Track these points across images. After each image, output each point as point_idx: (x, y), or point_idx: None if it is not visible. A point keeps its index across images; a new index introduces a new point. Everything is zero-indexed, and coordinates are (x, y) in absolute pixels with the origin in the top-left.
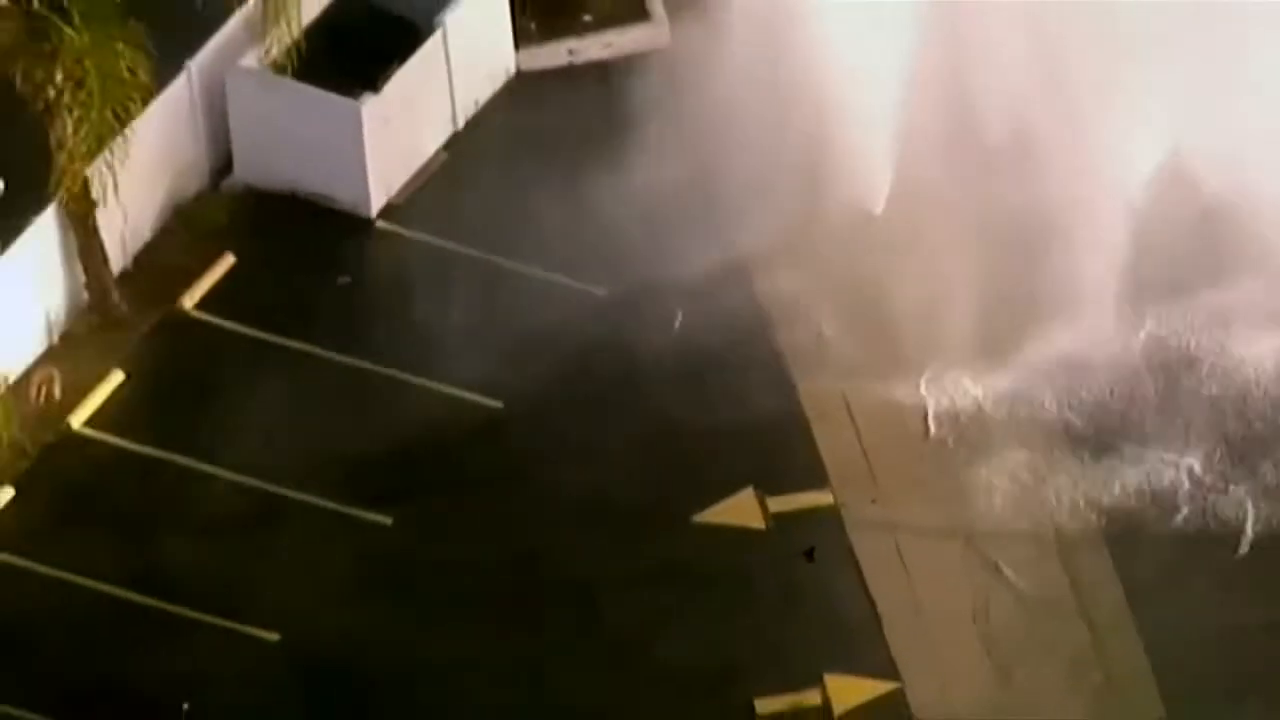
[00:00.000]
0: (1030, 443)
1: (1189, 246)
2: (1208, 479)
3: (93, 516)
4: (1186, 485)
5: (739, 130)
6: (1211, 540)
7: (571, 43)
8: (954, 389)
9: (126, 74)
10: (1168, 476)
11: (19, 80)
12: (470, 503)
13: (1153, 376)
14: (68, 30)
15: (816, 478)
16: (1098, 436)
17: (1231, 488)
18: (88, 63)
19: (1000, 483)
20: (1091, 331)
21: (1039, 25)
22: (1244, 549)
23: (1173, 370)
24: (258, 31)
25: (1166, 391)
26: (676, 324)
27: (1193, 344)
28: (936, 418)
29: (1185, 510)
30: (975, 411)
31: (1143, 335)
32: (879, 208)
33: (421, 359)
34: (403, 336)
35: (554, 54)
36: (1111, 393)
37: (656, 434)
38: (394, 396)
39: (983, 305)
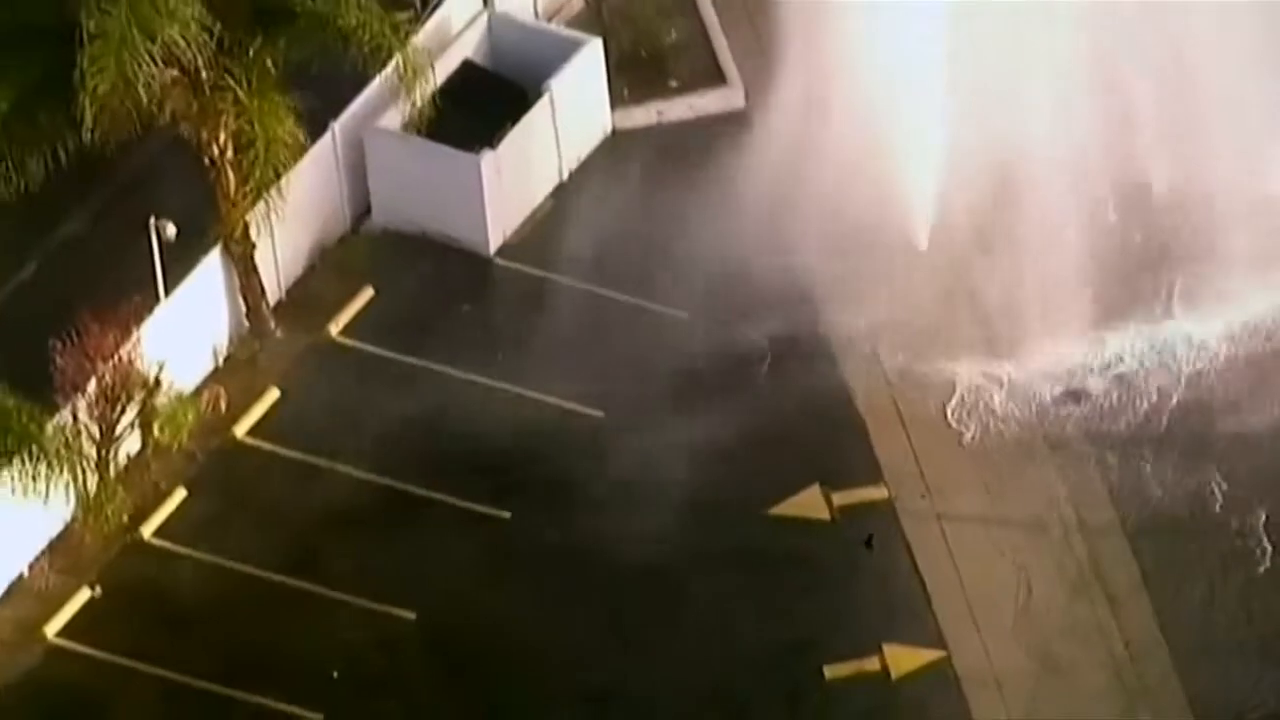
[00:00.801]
0: (1058, 443)
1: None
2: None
3: (253, 513)
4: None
5: (804, 178)
6: (1224, 534)
7: (659, 105)
8: (990, 397)
9: (283, 134)
10: (1193, 482)
11: (190, 139)
12: (578, 498)
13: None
14: (234, 95)
15: (874, 475)
16: (1119, 439)
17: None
18: (251, 125)
19: (1033, 478)
20: (1117, 346)
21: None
22: (1264, 564)
23: (1195, 386)
24: (393, 96)
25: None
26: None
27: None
28: (976, 422)
29: (1213, 509)
30: (1008, 417)
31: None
32: (924, 244)
33: (534, 375)
34: (517, 356)
35: (645, 115)
36: (1133, 400)
37: (736, 440)
38: (511, 407)
39: (1014, 322)
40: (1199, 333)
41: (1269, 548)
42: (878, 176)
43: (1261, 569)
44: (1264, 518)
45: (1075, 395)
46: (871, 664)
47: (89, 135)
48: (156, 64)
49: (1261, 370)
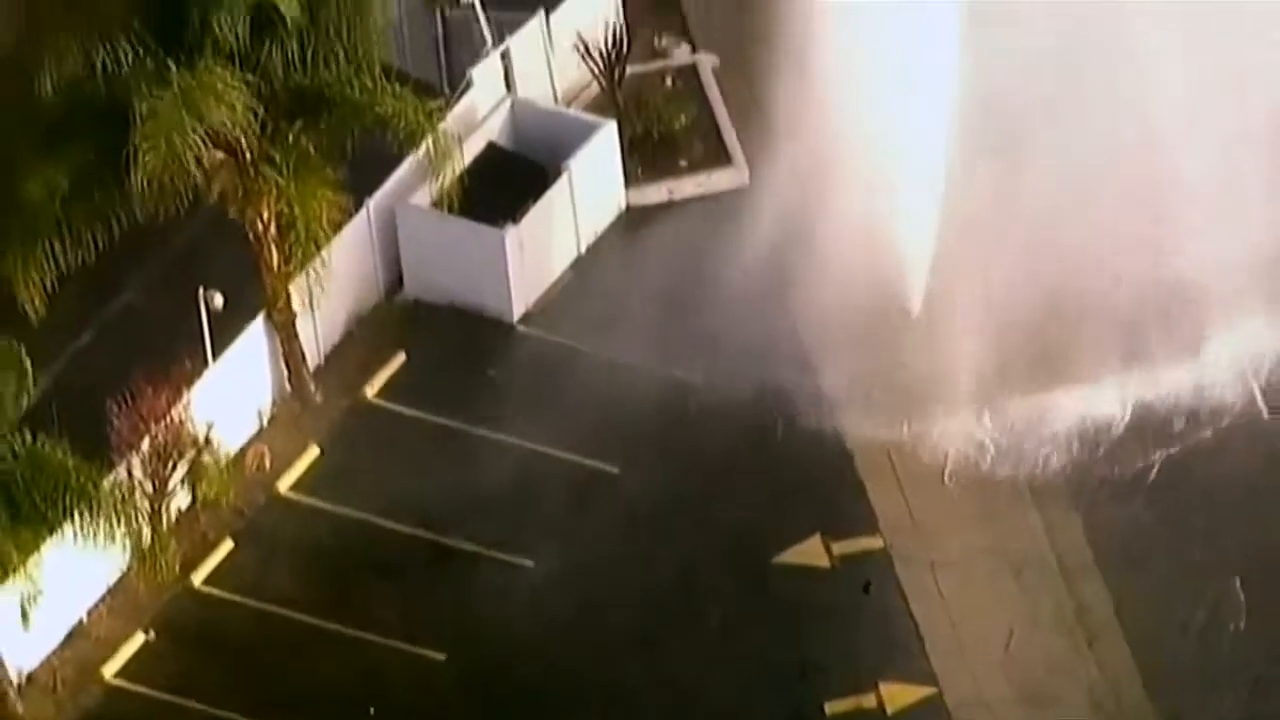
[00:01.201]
0: (1041, 492)
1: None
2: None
3: (295, 562)
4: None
5: (805, 250)
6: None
7: (670, 183)
8: (979, 452)
9: (321, 213)
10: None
11: (236, 216)
12: (595, 546)
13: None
14: (277, 178)
15: (870, 525)
16: (1098, 486)
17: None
18: (293, 204)
19: (1018, 525)
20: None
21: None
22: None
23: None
24: (423, 175)
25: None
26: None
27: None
28: (961, 475)
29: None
30: (993, 469)
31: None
32: (916, 309)
33: (554, 434)
34: (539, 416)
35: (656, 192)
36: (1102, 449)
37: (743, 492)
38: (532, 464)
39: (994, 381)
40: (1178, 388)
41: (1241, 596)
42: (873, 247)
43: (1233, 607)
44: (1237, 559)
45: (1056, 447)
46: (869, 700)
47: (142, 211)
48: (205, 145)
49: (1232, 420)
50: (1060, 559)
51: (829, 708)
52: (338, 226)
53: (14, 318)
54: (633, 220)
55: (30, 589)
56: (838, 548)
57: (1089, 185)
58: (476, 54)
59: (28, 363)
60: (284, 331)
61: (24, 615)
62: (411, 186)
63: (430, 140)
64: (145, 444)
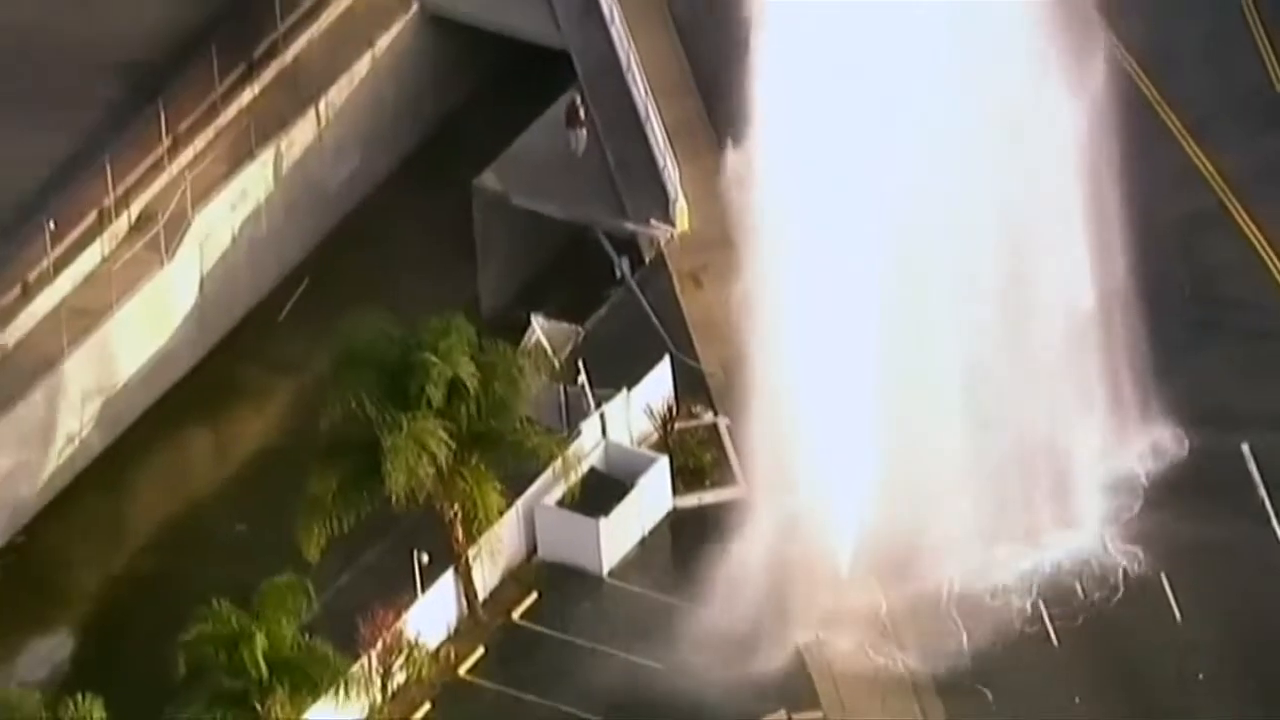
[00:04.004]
0: (943, 686)
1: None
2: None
3: (471, 716)
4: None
5: (779, 542)
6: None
7: (701, 494)
8: (894, 662)
9: (492, 510)
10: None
11: (437, 508)
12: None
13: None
14: (464, 486)
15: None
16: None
17: None
18: (474, 504)
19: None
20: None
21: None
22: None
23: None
24: (554, 482)
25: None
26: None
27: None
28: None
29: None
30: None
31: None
32: (845, 569)
33: (637, 645)
34: (631, 637)
35: (694, 500)
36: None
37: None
38: (613, 667)
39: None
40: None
41: None
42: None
43: None
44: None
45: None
46: None
47: (389, 504)
48: (425, 466)
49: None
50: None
51: None
52: (500, 515)
53: (300, 564)
54: (678, 517)
55: None
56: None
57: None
58: (585, 413)
59: (311, 590)
60: (464, 579)
61: None
62: (545, 489)
63: (560, 462)
64: (378, 645)
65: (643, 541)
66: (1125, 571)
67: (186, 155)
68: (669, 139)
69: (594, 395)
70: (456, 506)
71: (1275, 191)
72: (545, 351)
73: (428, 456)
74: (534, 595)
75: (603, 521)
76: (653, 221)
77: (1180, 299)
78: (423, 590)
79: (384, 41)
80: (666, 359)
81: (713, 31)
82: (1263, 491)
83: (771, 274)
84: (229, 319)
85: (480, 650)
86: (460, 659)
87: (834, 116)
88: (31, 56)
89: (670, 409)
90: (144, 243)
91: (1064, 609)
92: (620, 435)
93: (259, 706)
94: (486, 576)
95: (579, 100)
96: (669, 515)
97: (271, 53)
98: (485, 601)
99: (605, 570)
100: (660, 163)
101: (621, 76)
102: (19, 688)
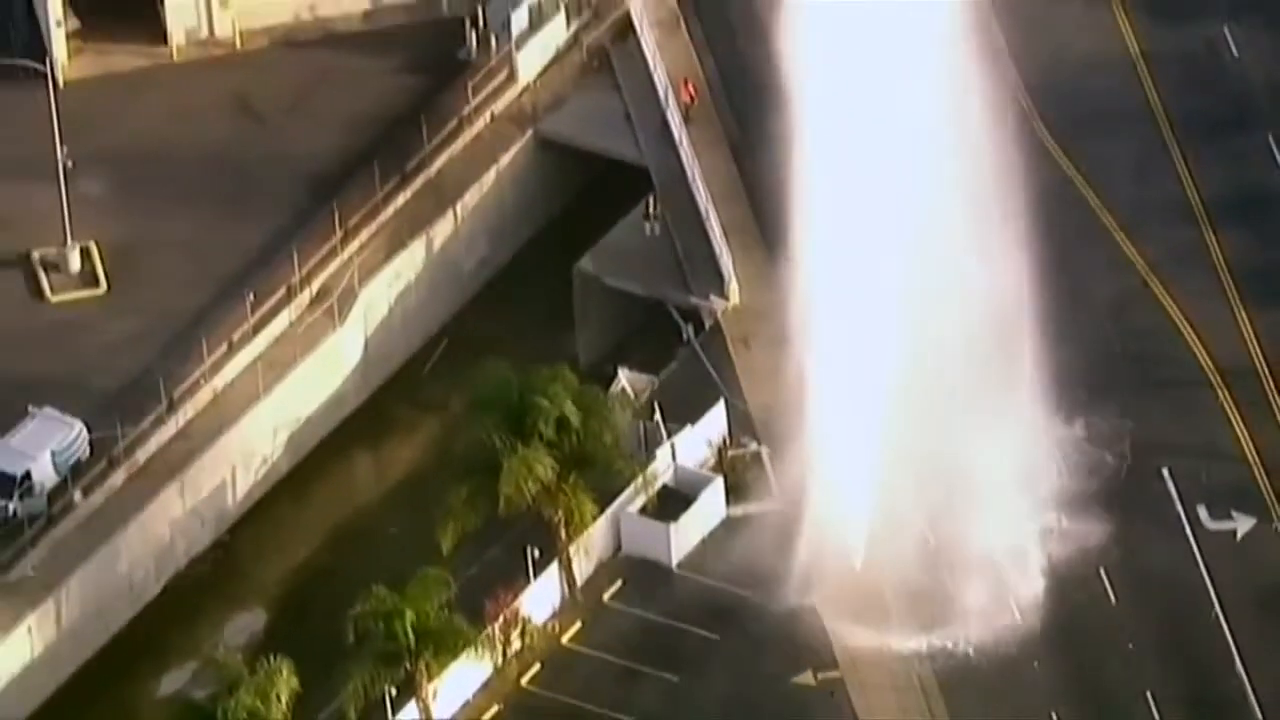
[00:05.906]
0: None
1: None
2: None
3: (572, 676)
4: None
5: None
6: None
7: (744, 506)
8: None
9: (587, 516)
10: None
11: (544, 513)
12: None
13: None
14: (566, 498)
15: None
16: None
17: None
18: (572, 511)
19: None
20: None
21: None
22: None
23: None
24: (635, 495)
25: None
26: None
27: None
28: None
29: None
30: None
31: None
32: (859, 564)
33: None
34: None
35: (740, 509)
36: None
37: None
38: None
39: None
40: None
41: None
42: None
43: None
44: None
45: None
46: None
47: (502, 514)
48: (532, 479)
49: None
50: None
51: None
52: (593, 520)
53: (440, 558)
54: (730, 524)
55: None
56: None
57: None
58: (659, 443)
59: (449, 578)
60: (566, 569)
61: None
62: (628, 500)
63: (641, 478)
64: (500, 619)
65: (703, 541)
66: (1069, 564)
67: (354, 244)
68: (725, 234)
69: (666, 429)
70: (560, 514)
71: (1187, 273)
72: (629, 396)
73: (533, 477)
74: (619, 582)
75: (672, 526)
76: (711, 297)
77: (1115, 354)
78: (534, 578)
79: (505, 159)
80: (721, 402)
81: (760, 152)
82: (1179, 505)
83: (803, 341)
84: (386, 370)
85: (578, 624)
86: (563, 630)
87: (853, 223)
88: (232, 168)
89: (724, 440)
90: (321, 311)
91: (1028, 591)
92: (686, 460)
93: (409, 666)
94: (583, 567)
95: (653, 202)
96: (723, 521)
97: (420, 167)
98: (582, 587)
99: (674, 563)
100: (717, 252)
101: (688, 186)
102: (225, 651)
